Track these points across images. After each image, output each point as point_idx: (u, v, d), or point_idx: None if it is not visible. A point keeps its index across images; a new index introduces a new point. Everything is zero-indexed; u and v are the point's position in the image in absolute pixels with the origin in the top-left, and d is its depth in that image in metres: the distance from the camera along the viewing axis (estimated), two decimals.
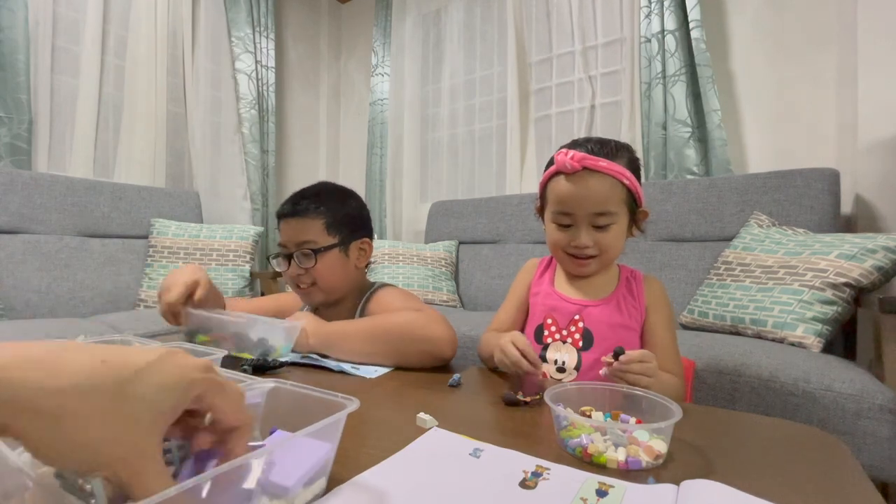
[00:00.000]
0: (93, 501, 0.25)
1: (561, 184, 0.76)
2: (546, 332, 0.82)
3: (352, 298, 0.98)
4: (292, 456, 0.35)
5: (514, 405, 0.60)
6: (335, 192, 0.98)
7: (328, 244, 0.91)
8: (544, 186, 0.82)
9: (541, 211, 0.86)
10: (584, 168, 0.73)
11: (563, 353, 0.79)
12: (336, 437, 0.37)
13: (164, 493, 0.24)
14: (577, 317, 0.80)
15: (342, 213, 0.94)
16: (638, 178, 0.78)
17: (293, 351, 0.83)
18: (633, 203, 0.78)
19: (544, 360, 0.80)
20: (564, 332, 0.80)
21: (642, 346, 0.81)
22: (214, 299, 0.88)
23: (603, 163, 0.73)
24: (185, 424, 0.30)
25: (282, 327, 0.79)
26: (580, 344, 0.79)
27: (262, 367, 0.71)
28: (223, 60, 2.63)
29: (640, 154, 2.03)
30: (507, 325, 0.88)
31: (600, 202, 0.74)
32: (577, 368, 0.78)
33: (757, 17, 1.88)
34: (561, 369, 0.79)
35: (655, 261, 1.78)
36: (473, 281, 2.27)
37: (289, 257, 0.92)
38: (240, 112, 2.63)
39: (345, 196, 0.99)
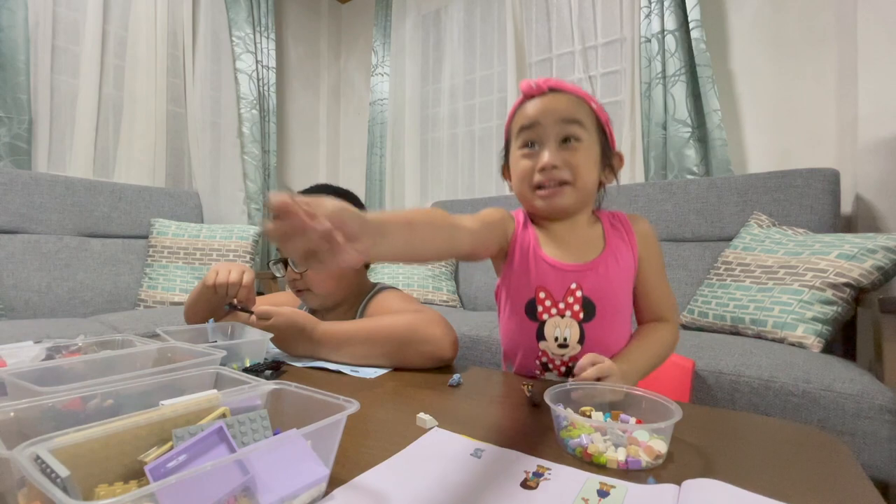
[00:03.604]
0: (58, 479, 0.27)
1: (527, 105, 0.75)
2: (540, 308, 0.74)
3: (351, 301, 0.98)
4: (284, 467, 0.34)
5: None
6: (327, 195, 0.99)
7: None
8: (509, 127, 0.79)
9: (506, 169, 0.84)
10: (551, 89, 0.74)
11: (564, 329, 0.73)
12: (335, 439, 0.37)
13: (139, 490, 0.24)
14: (573, 286, 0.72)
15: None
16: (609, 125, 0.76)
17: (297, 356, 0.83)
18: (603, 135, 0.75)
19: (542, 337, 0.74)
20: (562, 305, 0.73)
21: (634, 297, 0.78)
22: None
23: (569, 85, 0.74)
24: None
25: (246, 341, 0.78)
26: (581, 316, 0.72)
27: (255, 372, 0.70)
28: (223, 60, 2.63)
29: (640, 154, 2.03)
30: (473, 224, 0.70)
31: (568, 109, 0.72)
32: (580, 342, 0.72)
33: (757, 16, 1.88)
34: (563, 345, 0.73)
35: None
36: (473, 281, 2.26)
37: (286, 262, 0.95)
38: (240, 112, 2.63)
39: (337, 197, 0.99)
